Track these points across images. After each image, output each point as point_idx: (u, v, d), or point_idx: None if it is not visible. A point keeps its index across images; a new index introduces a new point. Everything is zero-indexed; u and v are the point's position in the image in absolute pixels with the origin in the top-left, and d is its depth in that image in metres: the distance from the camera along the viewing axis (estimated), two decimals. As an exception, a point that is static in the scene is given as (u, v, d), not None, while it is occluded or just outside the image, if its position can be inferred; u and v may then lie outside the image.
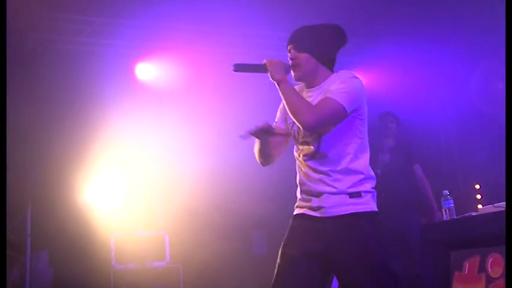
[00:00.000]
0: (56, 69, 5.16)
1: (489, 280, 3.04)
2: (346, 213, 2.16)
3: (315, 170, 2.23)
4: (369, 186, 2.21)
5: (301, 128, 2.18)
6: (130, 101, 5.38)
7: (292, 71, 2.29)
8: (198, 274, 5.30)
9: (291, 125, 2.32)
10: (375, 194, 2.23)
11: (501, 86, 5.49)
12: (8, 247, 4.33)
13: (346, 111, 2.15)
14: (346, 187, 2.17)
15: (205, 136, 5.47)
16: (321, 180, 2.21)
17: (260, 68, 2.26)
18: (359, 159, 2.21)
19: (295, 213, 2.33)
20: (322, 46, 2.29)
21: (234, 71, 2.26)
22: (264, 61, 2.26)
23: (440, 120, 6.16)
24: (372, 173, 2.25)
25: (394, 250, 4.59)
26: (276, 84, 2.23)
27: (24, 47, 5.07)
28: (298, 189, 2.34)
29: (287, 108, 2.20)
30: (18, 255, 4.42)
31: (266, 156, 2.36)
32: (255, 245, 6.16)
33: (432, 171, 5.95)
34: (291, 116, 2.20)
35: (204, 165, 5.49)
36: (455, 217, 3.47)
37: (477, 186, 5.65)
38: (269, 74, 2.24)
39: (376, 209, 2.20)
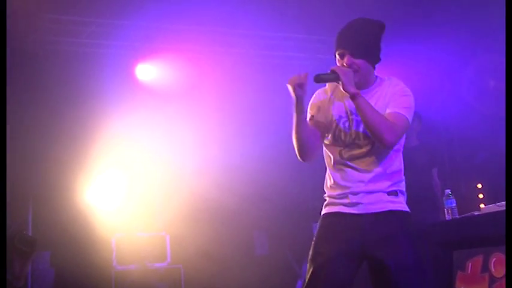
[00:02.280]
0: (57, 71, 5.16)
1: (492, 280, 3.02)
2: (383, 210, 2.22)
3: (358, 170, 2.25)
4: (403, 187, 2.30)
5: (379, 143, 2.19)
6: (130, 102, 5.37)
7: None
8: (199, 275, 5.29)
9: (336, 121, 2.30)
10: (406, 194, 2.32)
11: (493, 84, 5.49)
12: (21, 242, 4.31)
13: (410, 125, 2.26)
14: (385, 186, 2.25)
15: (205, 137, 5.46)
16: (362, 180, 2.24)
17: (335, 80, 2.24)
18: (399, 162, 2.30)
19: (326, 211, 2.31)
20: (375, 50, 2.32)
21: (316, 82, 2.23)
22: (334, 69, 2.24)
23: (442, 119, 6.14)
24: (404, 176, 2.33)
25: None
26: (350, 97, 2.22)
27: (25, 49, 5.07)
28: (330, 189, 2.32)
29: (366, 123, 2.19)
30: (32, 251, 4.41)
31: (304, 145, 2.28)
32: (257, 246, 6.15)
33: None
34: (369, 131, 2.20)
35: (204, 166, 5.48)
36: (457, 216, 3.45)
37: (479, 186, 5.63)
38: (341, 84, 2.22)
39: (409, 210, 2.28)
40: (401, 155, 2.33)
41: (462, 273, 3.24)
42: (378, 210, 2.21)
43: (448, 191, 3.56)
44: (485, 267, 3.08)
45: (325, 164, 2.38)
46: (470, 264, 3.19)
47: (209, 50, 5.61)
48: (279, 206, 5.75)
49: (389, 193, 2.24)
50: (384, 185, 2.24)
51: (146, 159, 5.65)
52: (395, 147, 2.27)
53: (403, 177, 2.32)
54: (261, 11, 5.00)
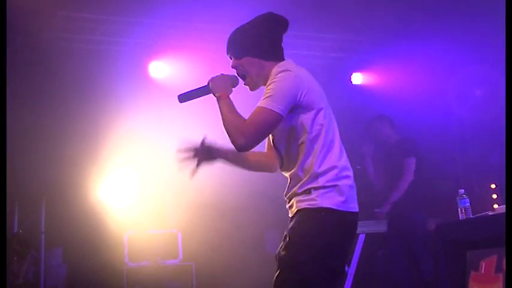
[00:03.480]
0: (70, 68, 5.19)
1: (506, 280, 2.99)
2: (295, 212, 2.09)
3: (285, 175, 2.19)
4: (322, 181, 2.02)
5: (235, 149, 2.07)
6: (143, 99, 5.39)
7: (244, 82, 2.22)
8: (211, 272, 5.30)
9: None
10: (337, 187, 2.02)
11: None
12: (17, 242, 4.39)
13: (279, 114, 1.99)
14: (299, 187, 2.07)
15: (217, 135, 5.45)
16: (287, 184, 2.16)
17: (204, 91, 2.16)
18: (313, 156, 2.04)
19: None
20: (257, 41, 2.17)
21: (181, 102, 2.22)
22: (208, 81, 2.17)
23: (455, 119, 6.10)
24: (332, 164, 2.04)
25: (397, 252, 4.61)
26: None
27: (39, 46, 5.11)
28: None
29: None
30: (28, 250, 4.49)
31: (250, 168, 2.40)
32: (268, 244, 6.15)
33: (446, 170, 5.90)
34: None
35: (216, 164, 5.48)
36: (471, 216, 3.43)
37: (493, 186, 5.59)
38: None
39: (325, 205, 1.99)
40: (312, 146, 2.04)
41: (475, 273, 3.22)
42: (293, 214, 2.10)
43: (462, 191, 3.53)
44: (499, 268, 3.05)
45: None
46: (484, 264, 3.17)
47: (222, 48, 5.60)
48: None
49: (302, 193, 2.05)
50: (298, 186, 2.06)
51: (158, 157, 5.66)
52: (296, 142, 2.05)
53: (325, 168, 2.02)
54: (272, 9, 4.99)
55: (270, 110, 1.99)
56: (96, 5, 4.87)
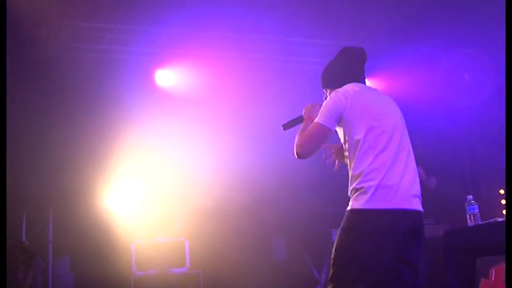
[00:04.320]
0: (77, 77, 5.22)
1: (517, 288, 2.95)
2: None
3: None
4: (355, 184, 2.32)
5: None
6: (149, 107, 5.41)
7: None
8: (219, 280, 5.29)
9: None
10: (363, 189, 2.28)
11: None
12: (22, 253, 4.39)
13: (326, 127, 2.40)
14: (350, 188, 2.37)
15: (223, 142, 5.47)
16: None
17: (301, 118, 2.62)
18: (358, 160, 2.34)
19: None
20: (332, 75, 2.62)
21: (285, 130, 2.67)
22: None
23: (462, 124, 6.07)
24: (363, 167, 2.31)
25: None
26: None
27: (46, 56, 5.14)
28: None
29: None
30: (33, 261, 4.50)
31: None
32: (275, 251, 6.13)
33: (454, 176, 5.86)
34: None
35: (224, 171, 5.49)
36: (480, 223, 3.40)
37: (501, 191, 5.54)
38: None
39: (352, 206, 2.30)
40: (356, 153, 2.34)
41: (485, 280, 3.19)
42: None
43: (470, 197, 3.50)
44: (509, 275, 3.01)
45: (343, 172, 2.54)
46: (494, 271, 3.14)
47: (228, 55, 5.63)
48: (298, 211, 5.73)
49: (351, 193, 2.35)
50: (350, 187, 2.37)
51: (165, 165, 5.68)
52: (347, 149, 2.39)
53: (366, 172, 2.30)
54: (279, 16, 5.01)
55: (319, 123, 2.41)
56: (103, 15, 4.90)
